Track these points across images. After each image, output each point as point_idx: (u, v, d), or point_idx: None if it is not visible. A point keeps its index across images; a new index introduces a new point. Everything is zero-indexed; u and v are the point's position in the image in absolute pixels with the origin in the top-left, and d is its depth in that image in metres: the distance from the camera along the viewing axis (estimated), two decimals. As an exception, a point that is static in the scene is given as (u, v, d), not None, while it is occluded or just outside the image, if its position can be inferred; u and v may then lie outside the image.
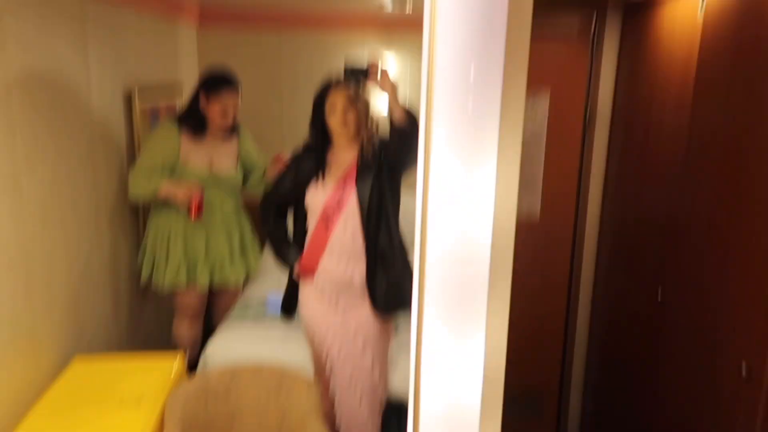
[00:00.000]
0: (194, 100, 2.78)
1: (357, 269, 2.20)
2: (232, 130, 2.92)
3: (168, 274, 2.87)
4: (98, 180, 2.73)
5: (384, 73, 1.99)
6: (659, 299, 2.18)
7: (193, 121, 2.76)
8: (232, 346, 2.66)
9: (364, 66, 2.00)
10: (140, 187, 2.73)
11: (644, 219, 2.39)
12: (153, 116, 3.24)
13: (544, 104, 2.74)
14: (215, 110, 2.75)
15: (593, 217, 2.79)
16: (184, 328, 3.06)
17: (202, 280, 2.91)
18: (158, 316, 3.37)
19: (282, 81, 4.37)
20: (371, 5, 3.58)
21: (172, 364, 2.28)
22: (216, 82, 2.76)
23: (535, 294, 2.85)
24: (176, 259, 2.85)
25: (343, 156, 2.22)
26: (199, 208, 2.73)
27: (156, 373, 2.21)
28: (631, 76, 2.56)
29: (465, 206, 0.84)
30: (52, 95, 2.35)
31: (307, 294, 2.31)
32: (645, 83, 2.43)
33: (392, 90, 1.99)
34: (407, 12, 3.25)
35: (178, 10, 3.93)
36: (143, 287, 3.11)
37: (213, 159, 2.85)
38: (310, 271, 2.25)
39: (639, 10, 2.47)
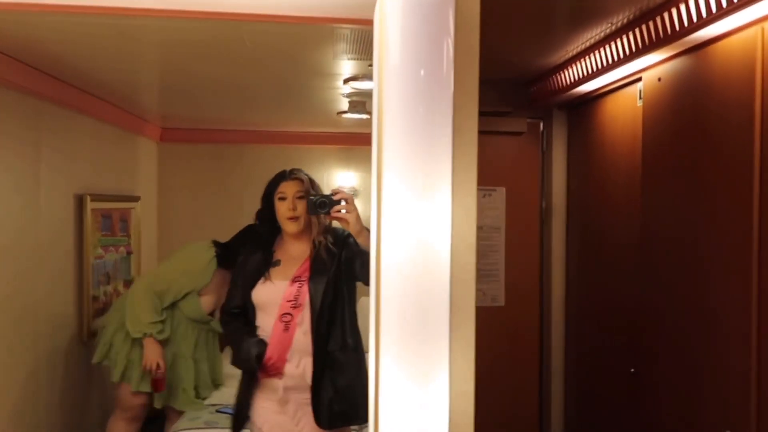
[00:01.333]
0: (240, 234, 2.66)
1: (309, 366, 2.05)
2: None
3: (133, 377, 2.73)
4: (37, 275, 2.57)
5: (349, 200, 1.96)
6: (633, 370, 2.10)
7: (229, 254, 2.63)
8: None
9: (328, 195, 1.98)
10: (140, 310, 2.66)
11: (610, 297, 2.36)
12: (105, 218, 3.17)
13: (500, 198, 2.79)
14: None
15: (558, 300, 2.80)
16: (123, 427, 2.83)
17: (157, 402, 2.79)
18: (103, 412, 3.07)
19: (243, 190, 4.39)
20: (330, 115, 3.70)
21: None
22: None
23: (505, 375, 2.75)
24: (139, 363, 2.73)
25: (293, 249, 2.13)
26: (161, 383, 2.72)
27: None
28: (581, 167, 2.66)
29: (421, 238, 0.78)
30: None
31: (263, 402, 2.11)
32: (595, 172, 2.51)
33: (356, 217, 1.93)
34: (366, 115, 3.36)
35: (141, 125, 3.99)
36: (85, 389, 2.91)
37: (221, 297, 2.72)
38: (276, 372, 2.08)
39: (583, 105, 2.61)
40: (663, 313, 1.93)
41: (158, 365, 2.67)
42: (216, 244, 2.76)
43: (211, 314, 2.80)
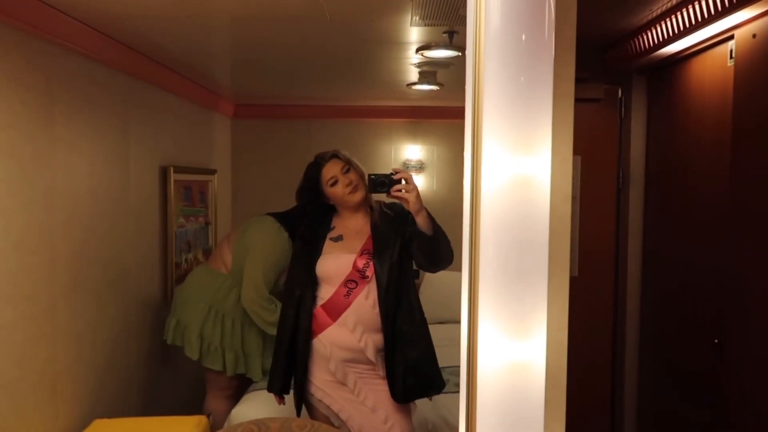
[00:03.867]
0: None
1: (371, 342, 2.08)
2: None
3: (228, 362, 2.82)
4: (127, 241, 2.74)
5: (408, 179, 1.98)
6: (717, 341, 2.03)
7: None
8: (260, 412, 2.51)
9: (387, 174, 1.99)
10: (261, 305, 2.71)
11: (692, 268, 2.28)
12: (186, 189, 3.32)
13: (575, 167, 2.73)
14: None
15: (634, 271, 2.72)
16: (218, 405, 2.92)
17: (257, 374, 2.87)
18: (176, 385, 3.25)
19: (312, 164, 4.48)
20: (399, 87, 3.71)
21: (196, 425, 2.15)
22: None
23: (577, 347, 2.71)
24: (233, 347, 2.82)
25: (353, 223, 2.17)
26: None
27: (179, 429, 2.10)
28: (662, 135, 2.55)
29: (520, 194, 0.78)
30: (91, 166, 2.42)
31: (322, 375, 2.13)
32: (678, 139, 2.41)
33: (416, 196, 1.96)
34: (437, 86, 3.34)
35: (216, 101, 4.14)
36: (166, 355, 3.03)
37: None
38: (317, 333, 2.13)
39: (664, 69, 2.50)
40: (752, 284, 1.86)
41: None
42: (280, 220, 2.79)
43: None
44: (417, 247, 2.03)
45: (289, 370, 2.18)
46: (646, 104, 2.66)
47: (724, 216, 2.04)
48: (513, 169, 0.80)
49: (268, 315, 2.71)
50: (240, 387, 2.97)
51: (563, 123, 0.91)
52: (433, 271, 2.15)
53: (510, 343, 0.80)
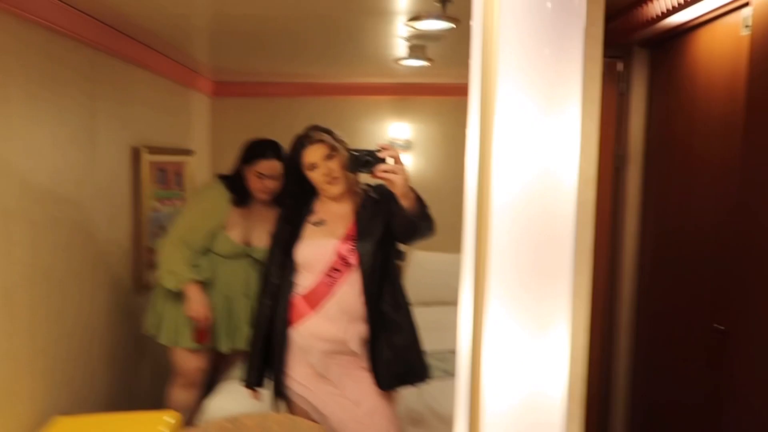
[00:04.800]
0: (237, 170, 2.64)
1: (354, 331, 1.95)
2: None
3: (183, 336, 2.63)
4: (95, 226, 2.57)
5: (396, 158, 1.76)
6: (721, 327, 1.92)
7: (237, 190, 2.61)
8: (235, 405, 2.37)
9: (372, 150, 1.75)
10: (173, 262, 2.53)
11: (693, 248, 2.17)
12: (160, 171, 3.14)
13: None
14: (255, 182, 2.59)
15: (630, 250, 2.59)
16: (182, 395, 2.75)
17: (223, 345, 2.70)
18: (154, 378, 3.10)
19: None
20: (386, 62, 3.53)
21: (166, 421, 2.02)
22: (254, 153, 2.61)
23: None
24: (222, 322, 2.67)
25: (336, 207, 2.02)
26: (205, 334, 2.58)
27: (148, 429, 1.99)
28: (665, 111, 2.42)
29: (542, 153, 0.64)
30: (54, 146, 2.24)
31: (301, 368, 1.99)
32: (683, 116, 2.27)
33: (404, 177, 1.76)
34: (426, 62, 3.18)
35: (193, 78, 3.93)
36: (139, 347, 2.86)
37: (253, 230, 2.67)
38: (294, 323, 1.99)
39: (670, 40, 2.36)
40: (758, 266, 1.74)
41: (204, 315, 2.55)
42: (223, 178, 2.66)
43: (248, 245, 2.66)
44: (396, 225, 1.89)
45: (266, 362, 2.04)
46: (647, 78, 2.52)
47: (731, 192, 1.92)
48: (531, 150, 0.66)
49: (173, 279, 2.53)
50: (207, 378, 2.83)
51: (590, 94, 0.75)
52: (407, 244, 2.00)
53: (527, 343, 0.66)
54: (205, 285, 2.61)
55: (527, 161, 0.65)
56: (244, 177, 2.59)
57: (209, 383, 2.85)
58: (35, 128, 2.10)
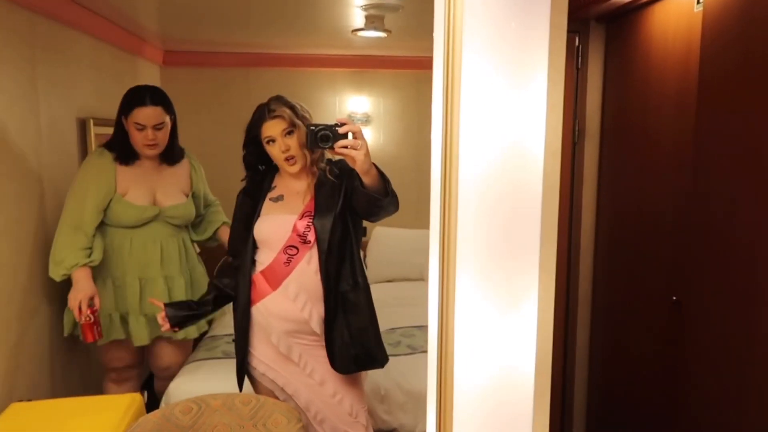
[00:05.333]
0: (119, 124, 2.37)
1: (315, 311, 1.93)
2: (179, 156, 2.52)
3: (133, 327, 2.43)
4: (41, 204, 2.45)
5: (357, 133, 1.69)
6: (675, 298, 1.99)
7: (119, 147, 2.35)
8: (200, 385, 2.34)
9: (331, 125, 1.69)
10: (60, 250, 2.26)
11: (649, 222, 2.23)
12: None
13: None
14: (132, 130, 2.33)
15: (588, 225, 2.65)
16: (116, 391, 2.54)
17: (137, 334, 2.43)
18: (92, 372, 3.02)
19: (249, 116, 4.20)
20: (343, 33, 3.46)
21: (129, 404, 1.98)
22: (131, 102, 2.34)
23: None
24: (105, 309, 2.38)
25: (294, 183, 1.98)
26: (91, 328, 2.24)
27: (109, 413, 1.93)
28: (620, 85, 2.46)
29: (510, 126, 0.63)
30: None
31: (264, 348, 1.98)
32: (637, 90, 2.31)
33: (365, 153, 1.69)
34: (384, 33, 3.12)
35: (141, 45, 3.76)
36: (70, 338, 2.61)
37: (156, 190, 2.44)
38: (255, 301, 1.97)
39: (624, 15, 2.38)
40: (713, 236, 1.81)
41: (89, 306, 2.24)
42: (107, 145, 2.41)
43: (154, 206, 2.41)
44: (358, 202, 1.85)
45: (197, 317, 2.07)
46: (603, 54, 2.55)
47: (684, 168, 1.97)
48: (498, 122, 0.65)
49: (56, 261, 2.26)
50: (145, 370, 2.69)
51: (556, 66, 0.75)
52: (372, 221, 1.96)
53: (495, 320, 0.66)
54: (111, 269, 2.39)
55: (494, 134, 0.64)
56: (125, 132, 2.35)
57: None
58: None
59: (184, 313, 2.01)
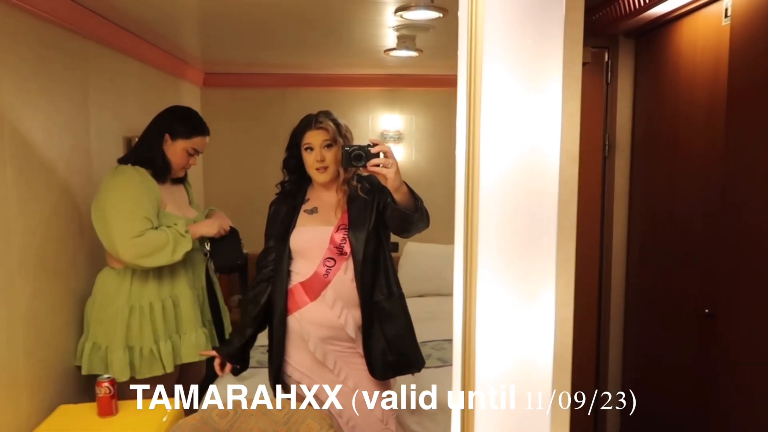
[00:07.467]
0: (157, 141, 2.36)
1: (351, 317, 2.00)
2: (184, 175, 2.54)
3: (165, 355, 2.31)
4: (90, 216, 2.58)
5: (387, 153, 1.81)
6: (707, 311, 1.98)
7: (158, 164, 2.34)
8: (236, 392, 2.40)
9: (364, 146, 1.82)
10: (167, 231, 2.23)
11: (681, 235, 2.23)
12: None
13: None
14: (181, 153, 2.36)
15: (620, 237, 2.66)
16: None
17: (168, 360, 2.31)
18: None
19: (286, 135, 4.33)
20: (376, 53, 3.56)
21: (167, 409, 2.07)
22: (186, 124, 2.39)
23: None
24: (147, 339, 2.29)
25: (327, 196, 2.06)
26: (111, 401, 2.08)
27: (150, 414, 2.03)
28: (650, 99, 2.47)
29: (527, 132, 0.68)
30: (46, 140, 2.25)
31: (298, 354, 2.05)
32: (667, 103, 2.33)
33: (395, 171, 1.79)
34: (415, 52, 3.21)
35: (184, 68, 3.93)
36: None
37: (179, 205, 2.45)
38: (293, 311, 2.04)
39: (653, 31, 2.41)
40: (746, 250, 1.80)
41: (108, 378, 2.10)
42: (132, 160, 2.35)
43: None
44: (390, 218, 1.94)
45: (249, 343, 2.15)
46: (633, 68, 2.57)
47: (716, 180, 1.98)
48: (516, 130, 0.70)
49: (166, 244, 2.20)
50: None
51: (571, 75, 0.80)
52: (404, 237, 2.03)
53: (515, 318, 0.71)
54: (167, 287, 2.33)
55: (513, 140, 0.70)
56: (162, 149, 2.34)
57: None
58: (27, 118, 2.11)
59: (236, 345, 2.11)
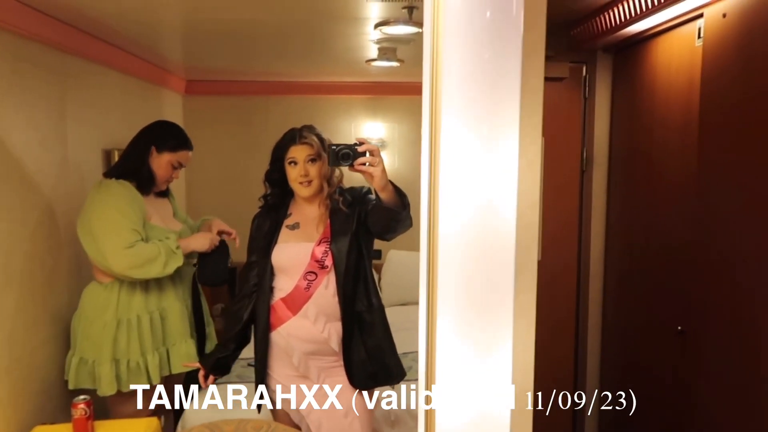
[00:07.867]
0: (144, 153, 2.35)
1: (333, 330, 2.00)
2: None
3: (152, 367, 2.31)
4: (69, 231, 2.56)
5: (374, 152, 1.79)
6: (680, 328, 2.01)
7: (143, 177, 2.34)
8: (214, 409, 2.39)
9: (351, 145, 1.79)
10: (155, 245, 2.23)
11: (656, 252, 2.25)
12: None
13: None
14: (166, 166, 2.37)
15: (597, 254, 2.69)
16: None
17: (155, 372, 2.31)
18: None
19: (269, 142, 4.32)
20: (358, 63, 3.56)
21: (146, 428, 2.05)
22: (172, 138, 2.40)
23: (539, 332, 2.68)
24: (155, 346, 2.31)
25: (309, 211, 2.07)
26: (87, 423, 2.04)
27: None
28: (627, 115, 2.50)
29: (484, 186, 0.69)
30: (24, 156, 2.23)
31: (282, 369, 2.05)
32: (643, 119, 2.36)
33: (382, 170, 1.79)
34: (396, 63, 3.22)
35: (165, 77, 3.91)
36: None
37: (163, 217, 2.44)
38: (275, 326, 2.05)
39: (630, 47, 2.44)
40: (717, 269, 1.83)
41: (84, 399, 2.05)
42: (115, 174, 2.33)
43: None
44: (375, 220, 1.93)
45: (233, 357, 2.14)
46: (610, 83, 2.60)
47: (689, 200, 2.01)
48: (478, 161, 0.71)
49: (158, 257, 2.20)
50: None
51: (531, 103, 0.81)
52: (389, 238, 2.00)
53: (472, 372, 0.72)
54: (155, 299, 2.33)
55: (469, 193, 0.70)
56: (146, 162, 2.34)
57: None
58: (4, 134, 2.09)
59: (219, 359, 2.11)
